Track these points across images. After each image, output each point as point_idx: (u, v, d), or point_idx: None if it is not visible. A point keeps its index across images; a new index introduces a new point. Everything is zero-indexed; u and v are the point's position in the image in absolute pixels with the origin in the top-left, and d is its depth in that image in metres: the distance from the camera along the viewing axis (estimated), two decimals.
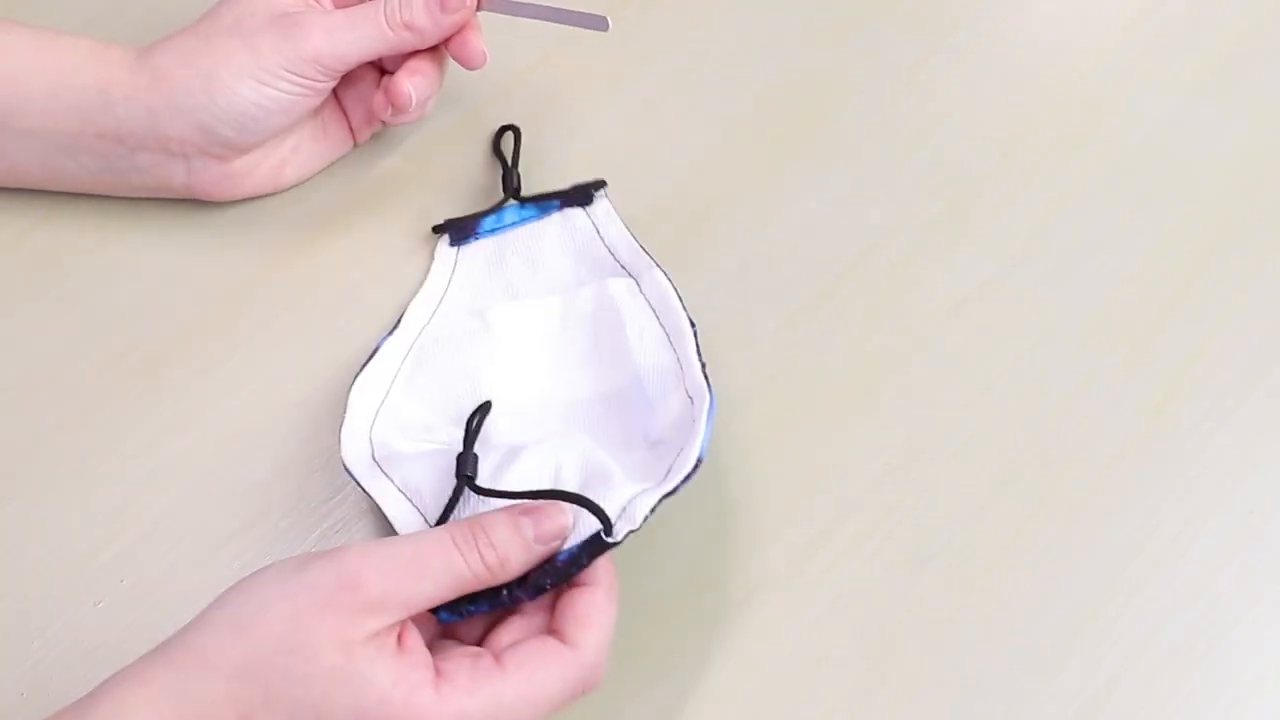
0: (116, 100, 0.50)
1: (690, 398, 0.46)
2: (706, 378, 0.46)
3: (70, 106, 0.50)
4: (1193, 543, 0.48)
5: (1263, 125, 0.59)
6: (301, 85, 0.50)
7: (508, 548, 0.39)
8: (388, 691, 0.36)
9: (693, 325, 0.48)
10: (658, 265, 0.51)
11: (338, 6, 0.52)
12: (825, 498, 0.49)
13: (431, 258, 0.54)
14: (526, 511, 0.40)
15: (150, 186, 0.53)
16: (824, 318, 0.54)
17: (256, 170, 0.53)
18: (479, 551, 0.38)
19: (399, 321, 0.51)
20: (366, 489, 0.45)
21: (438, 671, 0.37)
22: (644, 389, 0.48)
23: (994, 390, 0.52)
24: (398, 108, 0.52)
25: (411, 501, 0.45)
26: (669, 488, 0.41)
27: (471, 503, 0.44)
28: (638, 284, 0.51)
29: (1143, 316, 0.54)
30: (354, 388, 0.48)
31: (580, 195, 0.54)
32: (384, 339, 0.50)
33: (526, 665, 0.37)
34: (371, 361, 0.49)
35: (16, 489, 0.49)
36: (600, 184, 0.54)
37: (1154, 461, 0.50)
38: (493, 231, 0.53)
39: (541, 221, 0.53)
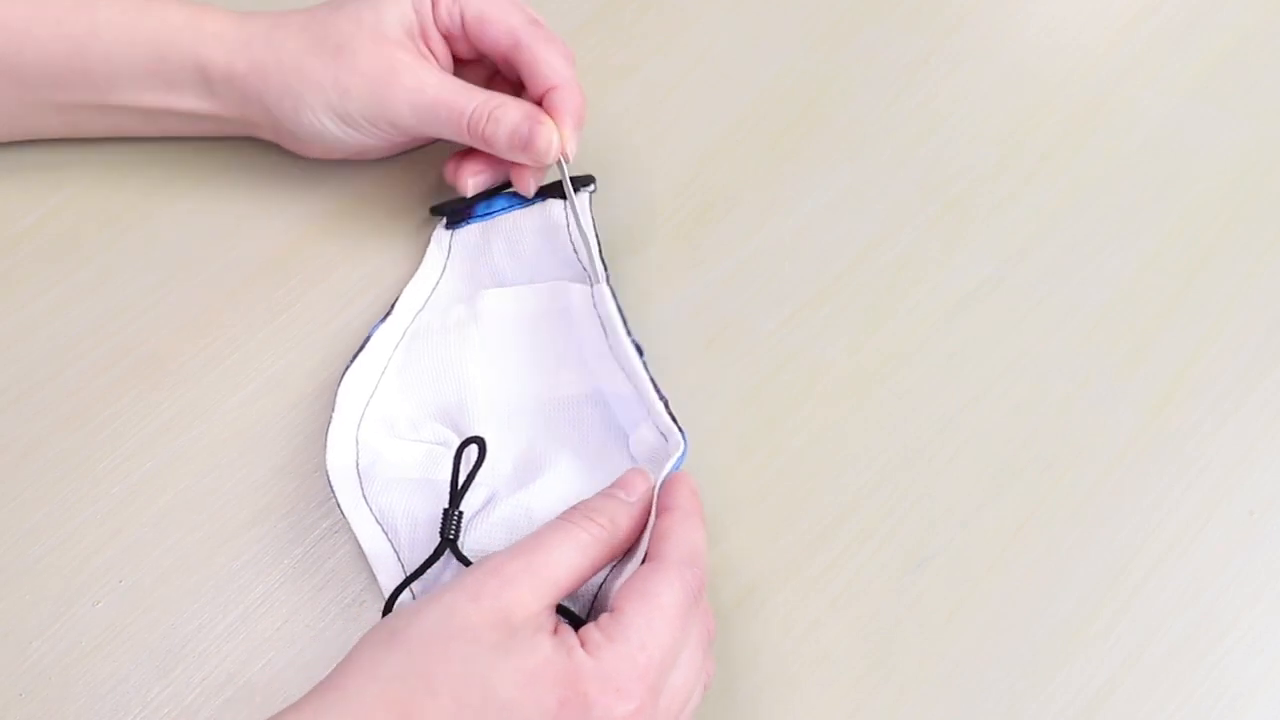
0: (214, 80, 0.50)
1: (663, 435, 0.46)
2: (674, 417, 0.46)
3: (166, 83, 0.51)
4: (1193, 543, 0.48)
5: (1263, 125, 0.59)
6: (383, 136, 0.51)
7: (612, 511, 0.42)
8: (551, 654, 0.37)
9: (639, 350, 0.47)
10: (607, 280, 0.49)
11: (455, 56, 0.53)
12: (825, 498, 0.49)
13: (428, 242, 0.54)
14: (613, 485, 0.44)
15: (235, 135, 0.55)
16: (824, 318, 0.54)
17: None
18: (591, 520, 0.41)
19: (392, 307, 0.51)
20: (345, 513, 0.46)
21: (581, 643, 0.39)
22: (611, 410, 0.48)
23: (994, 390, 0.52)
24: (458, 190, 0.53)
25: (387, 535, 0.46)
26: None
27: (452, 565, 0.45)
28: (592, 295, 0.49)
29: (1142, 317, 0.54)
30: (343, 383, 0.48)
31: (563, 189, 0.52)
32: (376, 326, 0.50)
33: (633, 596, 0.39)
34: (362, 353, 0.49)
35: (16, 489, 0.49)
36: (588, 180, 0.53)
37: (1154, 461, 0.50)
38: (483, 216, 0.53)
39: (524, 210, 0.53)
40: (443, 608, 0.38)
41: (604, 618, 0.39)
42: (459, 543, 0.44)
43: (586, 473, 0.47)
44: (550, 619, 0.39)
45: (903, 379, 0.52)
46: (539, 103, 0.50)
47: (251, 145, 0.57)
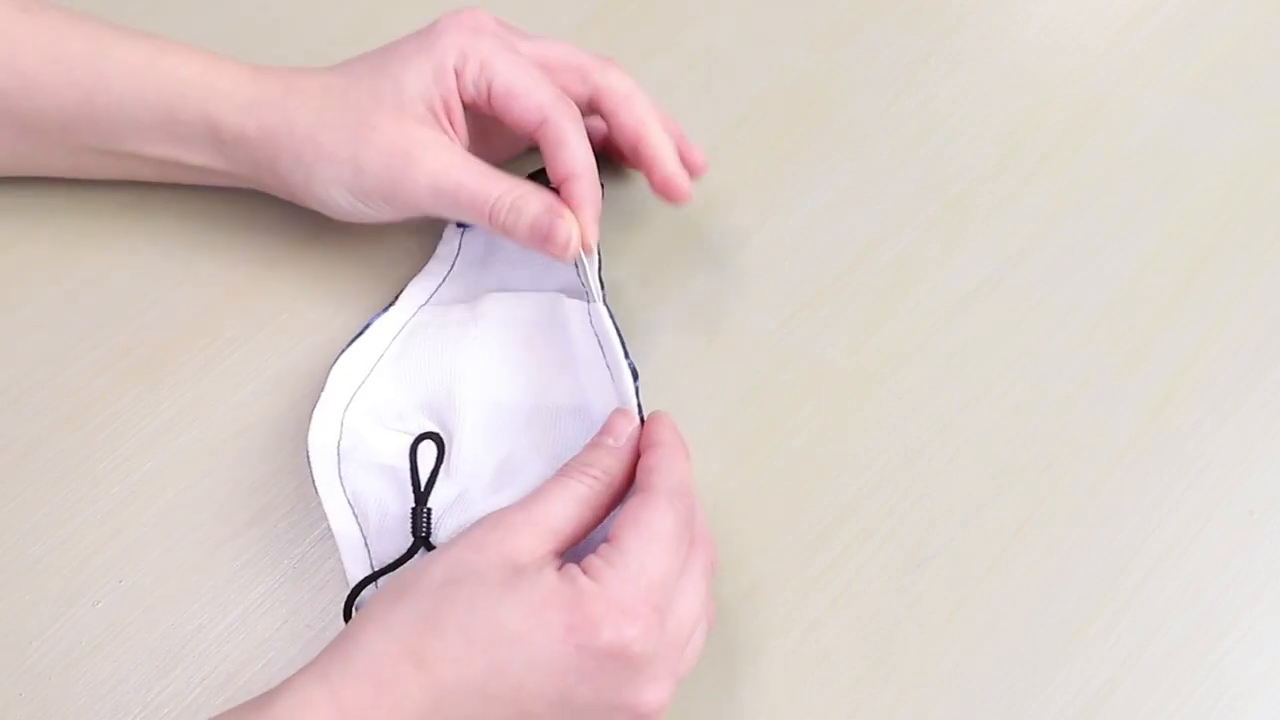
0: (225, 141, 0.49)
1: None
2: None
3: (176, 138, 0.50)
4: (1193, 543, 0.48)
5: (1263, 125, 0.59)
6: (397, 214, 0.49)
7: (605, 461, 0.43)
8: (555, 584, 0.38)
9: (635, 373, 0.46)
10: (604, 300, 0.48)
11: (470, 130, 0.50)
12: (825, 498, 0.49)
13: (439, 238, 0.54)
14: (600, 433, 0.44)
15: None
16: (824, 318, 0.54)
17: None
18: (582, 471, 0.42)
19: (396, 299, 0.51)
20: (319, 489, 0.46)
21: (583, 570, 0.39)
22: (596, 424, 0.48)
23: (994, 390, 0.52)
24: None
25: (357, 519, 0.46)
26: None
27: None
28: (589, 313, 0.49)
29: (1142, 317, 0.54)
30: (335, 365, 0.48)
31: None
32: (376, 316, 0.50)
33: (628, 524, 0.40)
34: (359, 339, 0.49)
35: (16, 489, 0.49)
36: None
37: (1154, 461, 0.50)
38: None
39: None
40: (449, 559, 0.39)
41: (602, 548, 0.40)
42: (431, 539, 0.45)
43: None
44: (554, 561, 0.40)
45: (903, 379, 0.52)
46: (559, 187, 0.48)
47: None
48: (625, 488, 0.44)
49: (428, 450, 0.47)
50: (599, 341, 0.48)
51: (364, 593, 0.44)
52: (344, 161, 0.47)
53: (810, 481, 0.50)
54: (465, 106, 0.49)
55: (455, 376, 0.49)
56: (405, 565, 0.44)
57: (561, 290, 0.51)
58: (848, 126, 0.59)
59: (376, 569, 0.45)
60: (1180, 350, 0.53)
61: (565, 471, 0.43)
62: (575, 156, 0.47)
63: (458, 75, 0.48)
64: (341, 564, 0.46)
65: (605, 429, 0.44)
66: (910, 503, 0.49)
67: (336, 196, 0.49)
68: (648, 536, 0.39)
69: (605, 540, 0.40)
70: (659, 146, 0.50)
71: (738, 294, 0.54)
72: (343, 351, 0.49)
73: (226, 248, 0.55)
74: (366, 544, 0.45)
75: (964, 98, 0.60)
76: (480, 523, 0.41)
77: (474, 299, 0.51)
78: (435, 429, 0.48)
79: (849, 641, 0.46)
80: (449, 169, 0.47)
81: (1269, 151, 0.59)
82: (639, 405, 0.46)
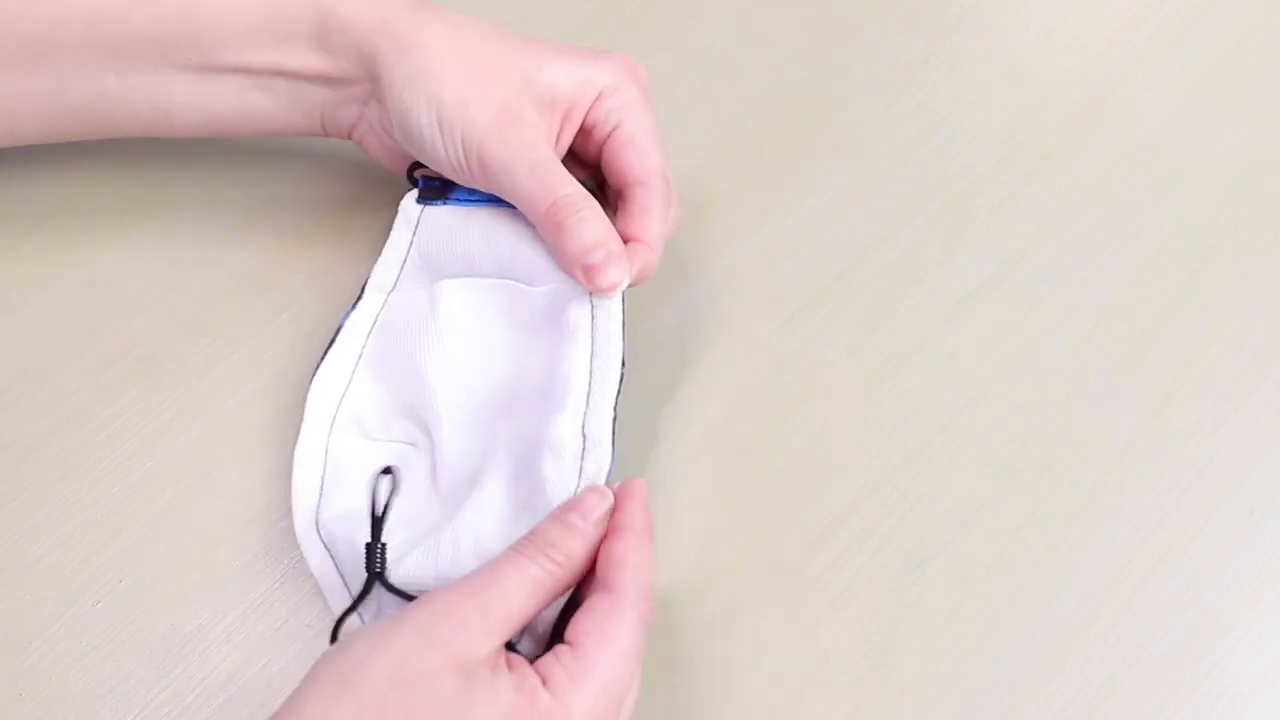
0: (332, 31, 0.47)
1: (584, 436, 0.44)
2: (613, 434, 0.44)
3: (278, 37, 0.47)
4: (1193, 543, 0.48)
5: (1263, 125, 0.59)
6: (450, 163, 0.48)
7: (567, 542, 0.40)
8: (514, 699, 0.36)
9: (623, 365, 0.45)
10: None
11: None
12: (825, 498, 0.49)
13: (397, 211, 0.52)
14: (568, 508, 0.42)
15: (334, 131, 0.51)
16: (824, 318, 0.54)
17: None
18: (545, 555, 0.40)
19: (362, 291, 0.50)
20: (298, 537, 0.45)
21: (541, 679, 0.38)
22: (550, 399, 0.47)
23: (994, 390, 0.52)
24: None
25: (332, 557, 0.45)
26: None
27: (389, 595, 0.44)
28: (591, 307, 0.47)
29: (1142, 317, 0.54)
30: (312, 387, 0.47)
31: None
32: (346, 315, 0.49)
33: (594, 631, 0.38)
34: (331, 349, 0.48)
35: (16, 489, 0.49)
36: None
37: (1154, 461, 0.50)
38: (463, 201, 0.51)
39: (511, 210, 0.50)
40: (395, 653, 0.36)
41: (565, 654, 0.38)
42: (387, 573, 0.43)
43: (518, 477, 0.45)
44: (502, 656, 0.38)
45: (903, 379, 0.52)
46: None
47: (252, 143, 0.57)
48: (583, 574, 0.41)
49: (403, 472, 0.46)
50: (593, 323, 0.46)
51: (348, 621, 0.44)
52: (449, 86, 0.46)
53: (810, 481, 0.50)
54: (580, 128, 0.49)
55: (428, 375, 0.47)
56: (365, 599, 0.43)
57: (528, 274, 0.49)
58: (848, 126, 0.59)
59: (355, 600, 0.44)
60: (1180, 350, 0.53)
61: (525, 551, 0.40)
62: (650, 227, 0.47)
63: (599, 98, 0.48)
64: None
65: (574, 504, 0.42)
66: (910, 503, 0.49)
67: (421, 115, 0.46)
68: (615, 651, 0.38)
69: (564, 642, 0.39)
70: (646, 257, 0.48)
71: (738, 294, 0.54)
72: (319, 365, 0.48)
73: (227, 248, 0.55)
74: (344, 581, 0.45)
75: (964, 98, 0.60)
76: (429, 606, 0.38)
77: (432, 285, 0.50)
78: (419, 434, 0.47)
79: (849, 641, 0.46)
80: (538, 148, 0.46)
81: (1269, 151, 0.59)
82: (617, 393, 0.45)
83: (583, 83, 0.48)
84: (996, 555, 0.48)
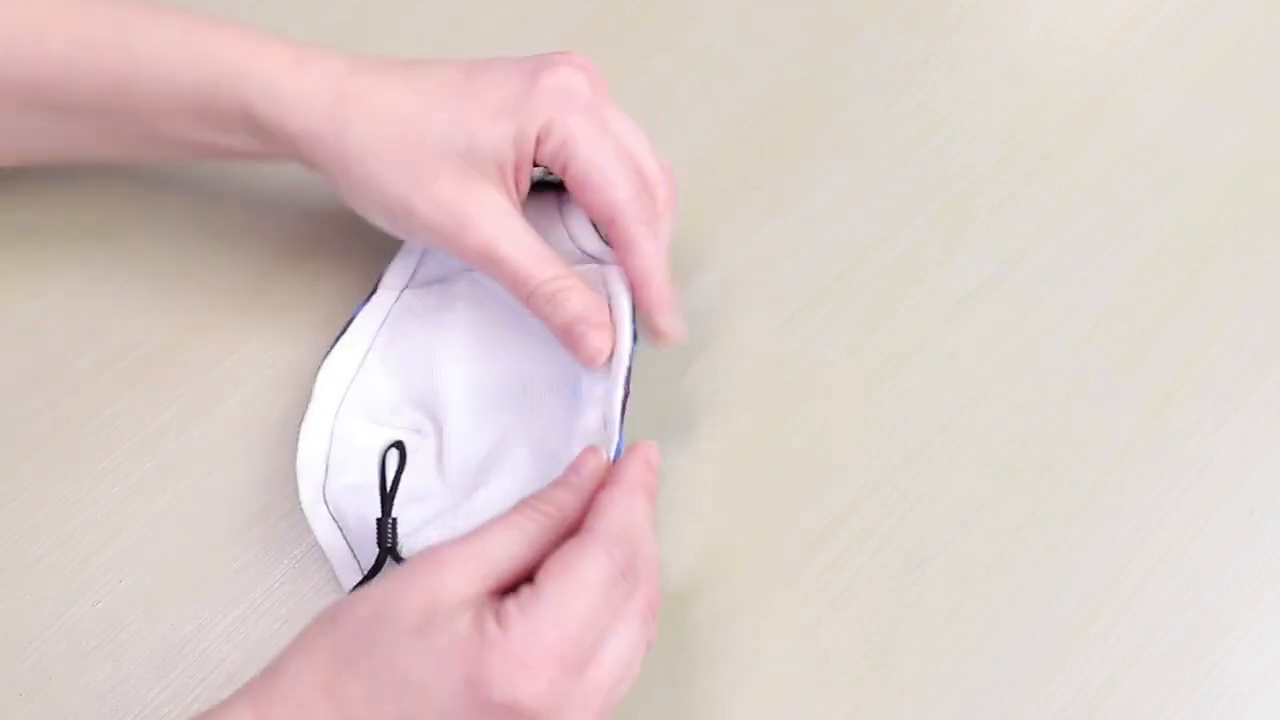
0: (262, 129, 0.47)
1: (604, 423, 0.45)
2: (623, 413, 0.44)
3: (213, 124, 0.47)
4: (1193, 543, 0.48)
5: (1263, 125, 0.59)
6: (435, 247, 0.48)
7: (558, 495, 0.41)
8: (463, 632, 0.37)
9: (634, 339, 0.46)
10: (615, 262, 0.47)
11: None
12: (825, 498, 0.49)
13: None
14: (566, 471, 0.43)
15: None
16: (824, 318, 0.54)
17: None
18: (532, 507, 0.40)
19: (376, 285, 0.51)
20: (303, 502, 0.46)
21: (496, 617, 0.38)
22: (580, 391, 0.47)
23: (994, 390, 0.52)
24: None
25: (341, 531, 0.45)
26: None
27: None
28: (604, 279, 0.47)
29: (1142, 317, 0.54)
30: (321, 371, 0.48)
31: (554, 184, 0.50)
32: (360, 307, 0.50)
33: (554, 568, 0.38)
34: (342, 338, 0.49)
35: (16, 489, 0.49)
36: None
37: (1154, 461, 0.50)
38: None
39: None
40: (379, 593, 0.38)
41: (523, 590, 0.38)
42: (399, 547, 0.44)
43: (541, 464, 0.46)
44: (482, 602, 0.38)
45: (903, 379, 0.52)
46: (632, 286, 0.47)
47: None
48: (577, 522, 0.41)
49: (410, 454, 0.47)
50: (610, 305, 0.47)
51: None
52: (395, 198, 0.46)
53: (810, 481, 0.50)
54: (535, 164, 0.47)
55: (438, 366, 0.48)
56: (378, 576, 0.44)
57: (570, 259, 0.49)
58: (848, 126, 0.59)
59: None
60: (1180, 350, 0.53)
61: (517, 507, 0.41)
62: (641, 264, 0.46)
63: (539, 144, 0.46)
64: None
65: (573, 466, 0.43)
66: (910, 503, 0.49)
67: (374, 219, 0.47)
68: (573, 585, 0.38)
69: (530, 584, 0.39)
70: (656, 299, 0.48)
71: (738, 294, 0.54)
72: (329, 352, 0.49)
73: (227, 248, 0.55)
74: (354, 553, 0.45)
75: (964, 98, 0.60)
76: (417, 555, 0.39)
77: (449, 278, 0.51)
78: (426, 422, 0.48)
79: (849, 641, 0.46)
80: (501, 240, 0.45)
81: (1269, 151, 0.59)
82: (628, 374, 0.45)
83: (518, 138, 0.45)
84: (996, 555, 0.48)
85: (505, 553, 0.39)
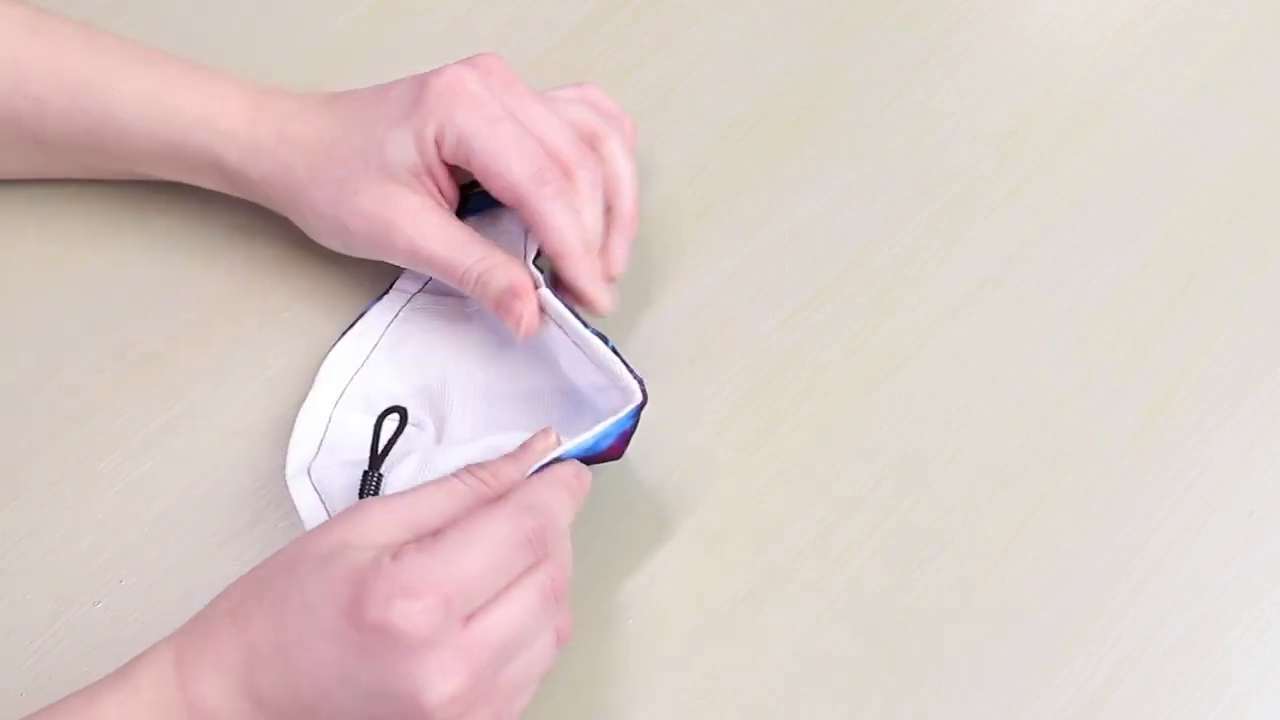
0: (229, 176, 0.51)
1: (623, 395, 0.46)
2: (635, 375, 0.45)
3: (185, 168, 0.52)
4: (1193, 543, 0.48)
5: (1263, 125, 0.59)
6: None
7: (499, 466, 0.43)
8: (360, 562, 0.38)
9: (603, 338, 0.46)
10: (547, 283, 0.48)
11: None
12: (825, 498, 0.49)
13: None
14: (519, 448, 0.44)
15: None
16: (824, 318, 0.54)
17: None
18: (472, 474, 0.42)
19: (391, 285, 0.52)
20: (287, 480, 0.46)
21: (395, 553, 0.39)
22: (591, 401, 0.48)
23: (994, 390, 0.52)
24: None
25: (324, 505, 0.46)
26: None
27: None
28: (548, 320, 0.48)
29: (1142, 317, 0.54)
30: (327, 359, 0.49)
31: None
32: (371, 303, 0.51)
33: (459, 522, 0.39)
34: (353, 328, 0.50)
35: (16, 489, 0.49)
36: None
37: (1154, 461, 0.50)
38: (476, 211, 0.53)
39: (494, 212, 0.52)
40: (305, 540, 0.40)
41: (425, 537, 0.39)
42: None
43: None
44: (393, 548, 0.39)
45: (903, 379, 0.52)
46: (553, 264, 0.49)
47: None
48: (504, 487, 0.42)
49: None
50: (557, 323, 0.47)
51: None
52: (332, 219, 0.49)
53: (810, 481, 0.50)
54: (448, 168, 0.49)
55: (449, 366, 0.49)
56: None
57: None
58: (848, 126, 0.59)
59: None
60: (1180, 350, 0.53)
61: (458, 471, 0.42)
62: (556, 238, 0.47)
63: (438, 145, 0.48)
64: None
65: (525, 443, 0.44)
66: (910, 503, 0.49)
67: (328, 243, 0.51)
68: (471, 536, 0.38)
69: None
70: (612, 249, 0.50)
71: (738, 294, 0.54)
72: (336, 342, 0.49)
73: (227, 248, 0.55)
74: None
75: (964, 98, 0.60)
76: (348, 506, 0.41)
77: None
78: (427, 419, 0.48)
79: (849, 641, 0.46)
80: (425, 237, 0.48)
81: (1269, 151, 0.58)
82: (625, 364, 0.45)
83: (418, 142, 0.48)
84: (997, 555, 0.48)
85: (431, 511, 0.40)
